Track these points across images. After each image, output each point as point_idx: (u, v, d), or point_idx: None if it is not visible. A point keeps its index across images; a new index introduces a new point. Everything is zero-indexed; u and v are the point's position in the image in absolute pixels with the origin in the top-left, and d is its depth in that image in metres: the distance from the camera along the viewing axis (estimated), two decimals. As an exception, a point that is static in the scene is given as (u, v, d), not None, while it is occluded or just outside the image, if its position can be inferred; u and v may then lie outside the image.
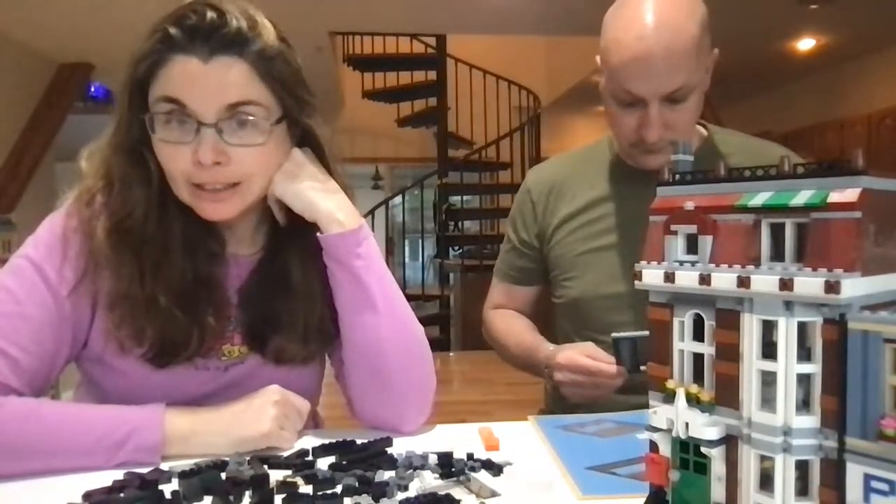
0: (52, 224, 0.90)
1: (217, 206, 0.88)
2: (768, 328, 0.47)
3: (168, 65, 0.83)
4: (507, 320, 1.40)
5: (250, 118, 0.85)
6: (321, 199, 0.91)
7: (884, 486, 0.41)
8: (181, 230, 0.90)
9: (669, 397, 0.52)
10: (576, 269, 1.29)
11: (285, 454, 0.84)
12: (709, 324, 0.50)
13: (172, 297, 0.87)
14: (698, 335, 0.51)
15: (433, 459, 0.79)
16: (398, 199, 7.12)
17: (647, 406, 0.54)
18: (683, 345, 0.52)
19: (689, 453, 0.51)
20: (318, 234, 0.91)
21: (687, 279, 0.50)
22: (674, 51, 1.07)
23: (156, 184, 0.88)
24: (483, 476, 0.76)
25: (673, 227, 0.52)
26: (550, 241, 1.33)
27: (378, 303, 0.92)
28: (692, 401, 0.50)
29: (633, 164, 1.25)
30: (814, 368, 0.45)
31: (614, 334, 1.06)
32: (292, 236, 0.95)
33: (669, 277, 0.51)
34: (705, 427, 0.49)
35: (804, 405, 0.46)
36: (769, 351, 0.46)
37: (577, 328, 1.30)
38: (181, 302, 0.88)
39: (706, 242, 0.50)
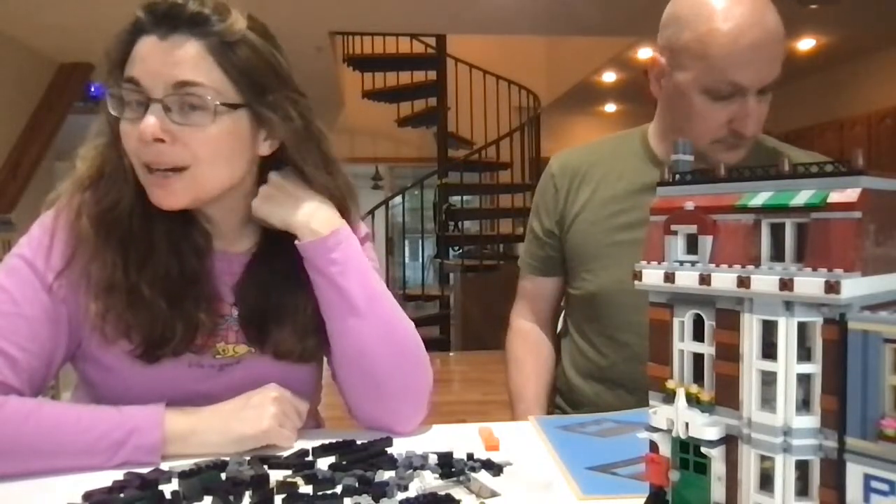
0: (43, 221, 0.91)
1: (164, 191, 0.86)
2: (768, 328, 0.46)
3: (135, 46, 0.86)
4: (524, 352, 1.38)
5: (198, 99, 0.84)
6: (294, 213, 0.92)
7: (884, 486, 0.41)
8: (165, 225, 0.90)
9: (669, 397, 0.52)
10: (597, 261, 1.26)
11: (285, 454, 0.84)
12: (709, 324, 0.50)
13: (157, 290, 0.87)
14: (698, 335, 0.51)
15: (433, 459, 0.79)
16: (398, 199, 7.11)
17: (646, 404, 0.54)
18: (683, 345, 0.52)
19: (689, 453, 0.51)
20: (295, 242, 0.92)
21: (687, 279, 0.50)
22: (779, 36, 1.09)
23: (132, 178, 0.88)
24: (483, 476, 0.76)
25: (673, 227, 0.52)
26: (570, 228, 1.30)
27: (360, 306, 0.91)
28: (692, 401, 0.50)
29: (713, 161, 1.20)
30: (814, 368, 0.45)
31: None
32: (283, 235, 0.94)
33: (669, 277, 0.51)
34: (705, 427, 0.49)
35: (804, 405, 0.46)
36: (769, 351, 0.46)
37: (591, 323, 1.28)
38: (166, 295, 0.88)
39: (706, 242, 0.50)
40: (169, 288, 0.88)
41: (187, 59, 0.84)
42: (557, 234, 1.33)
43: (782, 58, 1.10)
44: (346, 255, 0.92)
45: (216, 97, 0.85)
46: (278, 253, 0.95)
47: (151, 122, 0.83)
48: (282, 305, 0.94)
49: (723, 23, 1.08)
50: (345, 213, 0.97)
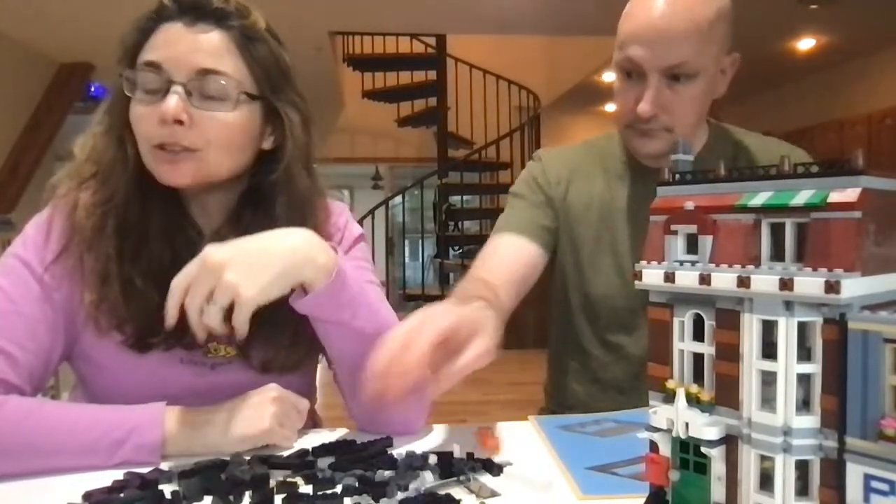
0: (37, 221, 0.93)
1: (172, 169, 0.87)
2: (768, 328, 0.46)
3: (156, 33, 0.88)
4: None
5: (220, 86, 0.87)
6: (292, 256, 0.81)
7: (884, 486, 0.41)
8: (160, 217, 0.91)
9: (669, 397, 0.52)
10: (590, 266, 1.24)
11: (285, 454, 0.84)
12: (709, 324, 0.50)
13: (150, 280, 0.88)
14: (698, 335, 0.51)
15: (433, 459, 0.79)
16: (398, 199, 7.12)
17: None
18: (683, 345, 0.52)
19: (689, 453, 0.51)
20: (292, 303, 0.84)
21: (687, 279, 0.50)
22: (678, 24, 1.06)
23: (133, 168, 0.90)
24: (483, 476, 0.76)
25: (673, 227, 0.52)
26: (561, 217, 1.25)
27: (368, 335, 0.84)
28: (692, 401, 0.50)
29: (630, 150, 1.21)
30: (814, 368, 0.45)
31: None
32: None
33: (669, 277, 0.51)
34: (705, 427, 0.49)
35: (804, 405, 0.46)
36: (769, 351, 0.46)
37: (582, 326, 1.27)
38: (159, 286, 0.87)
39: (706, 242, 0.50)
40: (161, 278, 0.88)
41: (213, 47, 0.87)
42: (552, 209, 1.25)
43: (694, 46, 1.07)
44: (352, 294, 0.86)
45: (238, 86, 0.88)
46: None
47: (174, 102, 0.85)
48: (269, 322, 0.90)
49: (638, 5, 1.11)
50: (316, 212, 0.96)
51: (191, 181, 0.89)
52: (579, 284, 1.26)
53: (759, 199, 0.48)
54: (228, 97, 0.88)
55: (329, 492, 0.72)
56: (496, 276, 1.12)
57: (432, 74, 6.90)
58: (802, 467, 0.46)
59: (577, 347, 1.29)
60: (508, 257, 1.19)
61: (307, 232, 0.85)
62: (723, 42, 1.12)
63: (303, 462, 0.81)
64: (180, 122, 0.85)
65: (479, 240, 6.66)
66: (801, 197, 0.46)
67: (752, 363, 0.47)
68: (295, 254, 0.81)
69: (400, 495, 0.71)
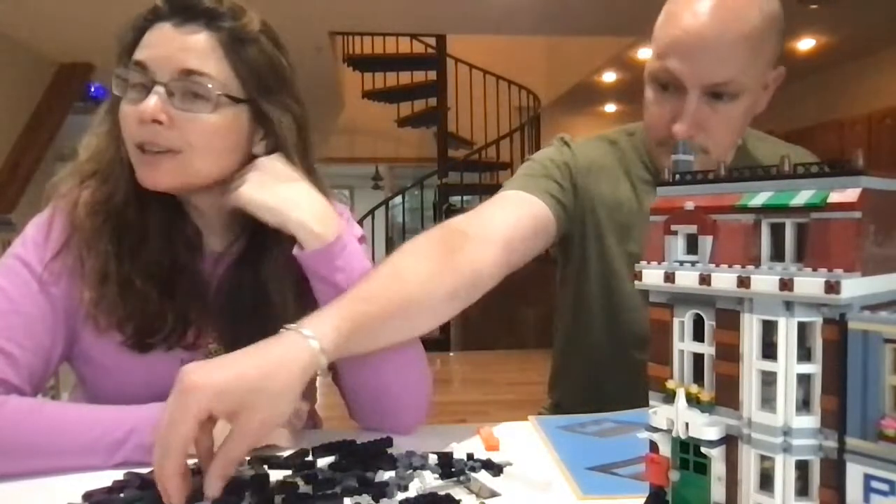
0: (37, 221, 0.93)
1: (152, 170, 0.87)
2: (768, 328, 0.46)
3: (148, 33, 0.88)
4: (415, 254, 0.92)
5: (201, 87, 0.86)
6: (292, 209, 0.88)
7: (884, 486, 0.41)
8: (159, 217, 0.91)
9: (669, 397, 0.52)
10: (613, 269, 1.16)
11: (285, 454, 0.84)
12: (709, 324, 0.50)
13: (149, 281, 0.88)
14: (698, 335, 0.51)
15: (433, 459, 0.79)
16: (398, 199, 7.14)
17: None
18: (683, 345, 0.52)
19: (689, 453, 0.51)
20: (294, 252, 0.88)
21: (687, 279, 0.50)
22: (728, 37, 0.96)
23: (132, 168, 0.89)
24: (483, 476, 0.76)
25: (673, 227, 0.52)
26: (582, 223, 1.16)
27: None
28: (692, 401, 0.50)
29: (659, 165, 1.12)
30: (814, 368, 0.45)
31: None
32: (270, 240, 0.92)
33: (669, 277, 0.51)
34: (705, 427, 0.49)
35: (804, 405, 0.46)
36: (769, 351, 0.46)
37: (609, 328, 1.19)
38: (157, 286, 0.89)
39: (706, 242, 0.50)
40: (160, 278, 0.89)
41: (197, 48, 0.87)
42: (576, 198, 1.14)
43: (742, 62, 0.97)
44: (349, 261, 0.90)
45: (219, 88, 0.87)
46: (265, 255, 0.93)
47: (153, 102, 0.85)
48: (265, 313, 0.91)
49: (680, 7, 1.00)
50: None
51: (173, 184, 0.89)
52: (602, 287, 1.18)
53: (759, 200, 0.48)
54: (209, 99, 0.87)
55: (329, 492, 0.72)
56: (488, 230, 0.97)
57: (432, 74, 6.91)
58: (802, 467, 0.46)
59: (586, 347, 1.23)
60: (512, 212, 1.04)
61: (322, 206, 0.90)
62: (772, 55, 1.04)
63: (303, 462, 0.81)
64: (159, 122, 0.85)
65: (479, 240, 6.71)
66: (801, 197, 0.46)
67: (752, 363, 0.47)
68: (294, 207, 0.87)
69: (400, 495, 0.71)
